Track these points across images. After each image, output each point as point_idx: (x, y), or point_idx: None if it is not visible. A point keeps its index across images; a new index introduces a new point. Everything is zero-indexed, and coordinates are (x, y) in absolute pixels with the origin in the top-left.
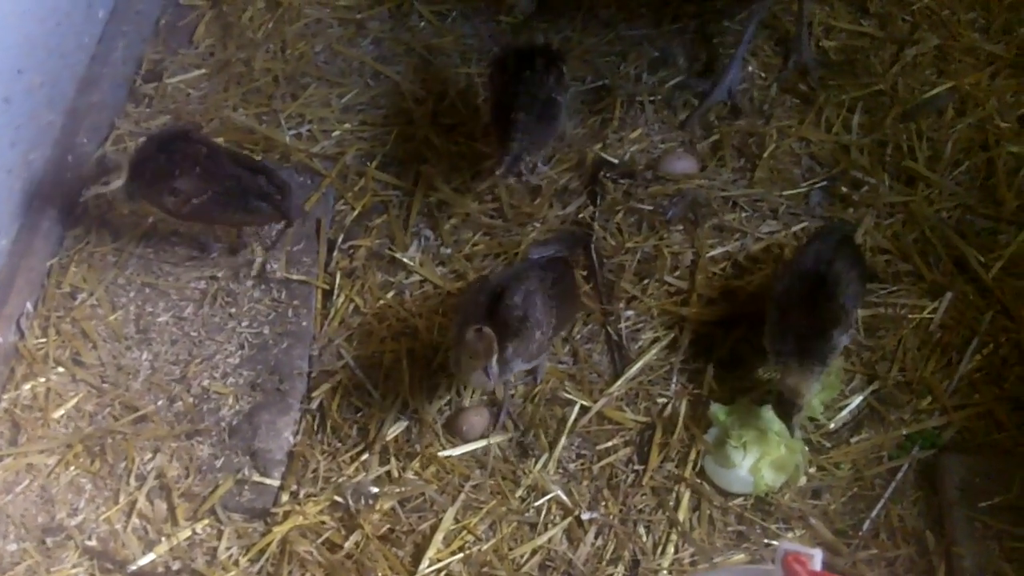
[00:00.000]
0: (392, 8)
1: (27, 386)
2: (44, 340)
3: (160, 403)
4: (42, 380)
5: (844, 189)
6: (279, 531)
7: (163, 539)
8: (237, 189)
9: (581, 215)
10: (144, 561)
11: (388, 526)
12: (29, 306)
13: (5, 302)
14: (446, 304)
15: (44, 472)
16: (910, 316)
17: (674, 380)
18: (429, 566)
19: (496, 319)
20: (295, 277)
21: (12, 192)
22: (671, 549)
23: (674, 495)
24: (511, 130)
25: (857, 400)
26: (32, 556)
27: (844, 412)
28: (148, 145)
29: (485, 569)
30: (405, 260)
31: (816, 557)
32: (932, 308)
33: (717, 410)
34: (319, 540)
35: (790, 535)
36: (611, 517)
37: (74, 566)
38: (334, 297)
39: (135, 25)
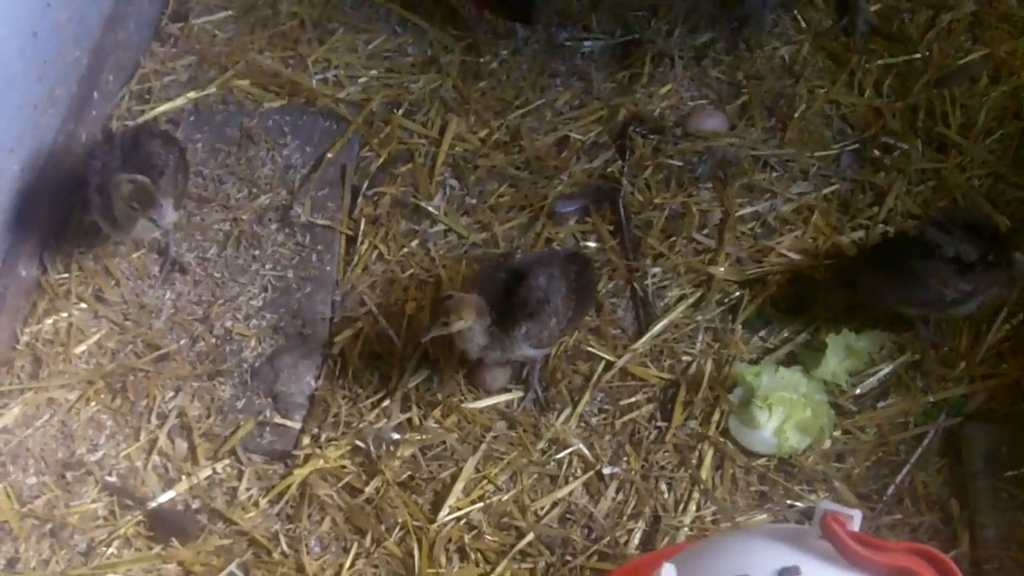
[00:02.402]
0: None
1: (49, 321)
2: (67, 276)
3: (182, 342)
4: (64, 315)
5: (876, 153)
6: (299, 474)
7: (183, 478)
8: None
9: (609, 169)
10: (164, 499)
11: (408, 473)
12: (52, 241)
13: (29, 237)
14: (470, 254)
15: (65, 407)
16: None
17: (699, 338)
18: (449, 514)
19: (515, 297)
20: (319, 222)
21: (38, 128)
22: (693, 507)
23: (697, 453)
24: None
25: (886, 369)
26: (52, 490)
27: (872, 378)
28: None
29: (505, 519)
30: (430, 209)
31: (856, 518)
32: None
33: (743, 370)
34: (339, 484)
35: (813, 497)
36: (633, 473)
37: (93, 501)
38: (358, 243)
39: None
